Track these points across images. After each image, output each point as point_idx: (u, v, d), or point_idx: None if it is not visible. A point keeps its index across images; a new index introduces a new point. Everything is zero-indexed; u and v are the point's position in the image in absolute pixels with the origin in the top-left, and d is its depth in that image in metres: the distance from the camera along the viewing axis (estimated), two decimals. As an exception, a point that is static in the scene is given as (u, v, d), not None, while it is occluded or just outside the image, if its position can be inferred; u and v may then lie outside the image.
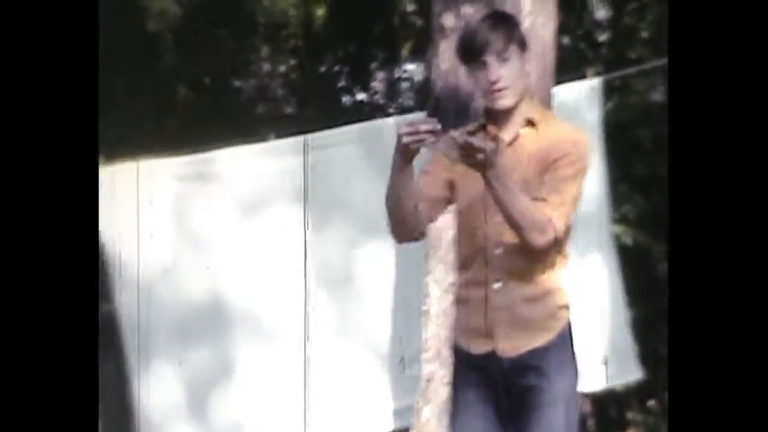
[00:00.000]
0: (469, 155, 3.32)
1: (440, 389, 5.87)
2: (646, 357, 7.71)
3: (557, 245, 3.58)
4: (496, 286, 3.56)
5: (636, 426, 9.37)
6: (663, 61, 9.79)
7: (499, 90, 3.50)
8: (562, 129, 3.65)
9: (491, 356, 3.58)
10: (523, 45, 3.59)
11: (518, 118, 3.56)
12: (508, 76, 3.51)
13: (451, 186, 3.66)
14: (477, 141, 3.33)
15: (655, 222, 9.38)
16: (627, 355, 7.17)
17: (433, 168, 3.66)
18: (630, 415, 9.41)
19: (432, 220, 3.68)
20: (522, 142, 3.55)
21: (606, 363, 7.04)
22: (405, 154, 3.37)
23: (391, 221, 3.58)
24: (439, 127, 3.34)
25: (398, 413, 6.63)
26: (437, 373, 5.91)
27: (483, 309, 3.58)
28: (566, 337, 3.63)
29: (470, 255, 3.64)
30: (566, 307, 3.65)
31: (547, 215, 3.46)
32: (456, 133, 3.34)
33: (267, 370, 6.44)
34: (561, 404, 3.56)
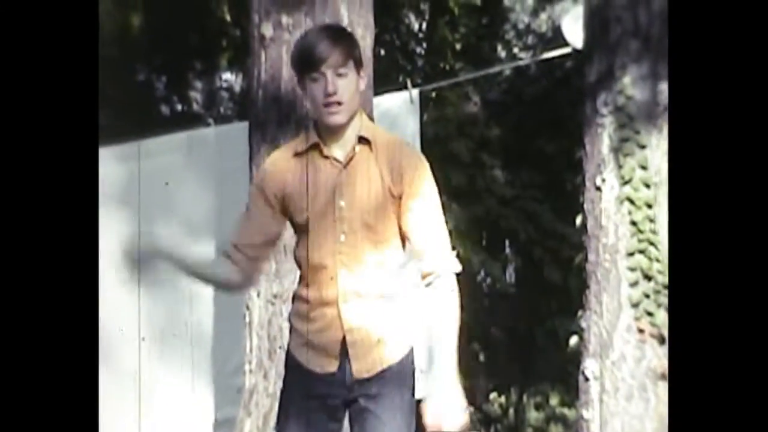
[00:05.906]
0: None
1: (263, 401, 5.83)
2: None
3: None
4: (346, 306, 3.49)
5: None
6: (476, 74, 9.97)
7: (335, 103, 3.39)
8: (397, 145, 3.51)
9: (339, 376, 3.49)
10: (359, 63, 3.48)
11: (351, 135, 3.45)
12: (345, 91, 3.39)
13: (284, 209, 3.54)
14: None
15: (474, 231, 9.52)
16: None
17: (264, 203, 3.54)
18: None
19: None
20: (358, 159, 3.45)
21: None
22: None
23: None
24: None
25: (220, 425, 6.58)
26: (260, 384, 5.87)
27: (335, 328, 3.48)
28: (412, 349, 3.61)
29: (315, 273, 3.51)
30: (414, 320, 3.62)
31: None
32: None
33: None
34: (399, 413, 3.53)
